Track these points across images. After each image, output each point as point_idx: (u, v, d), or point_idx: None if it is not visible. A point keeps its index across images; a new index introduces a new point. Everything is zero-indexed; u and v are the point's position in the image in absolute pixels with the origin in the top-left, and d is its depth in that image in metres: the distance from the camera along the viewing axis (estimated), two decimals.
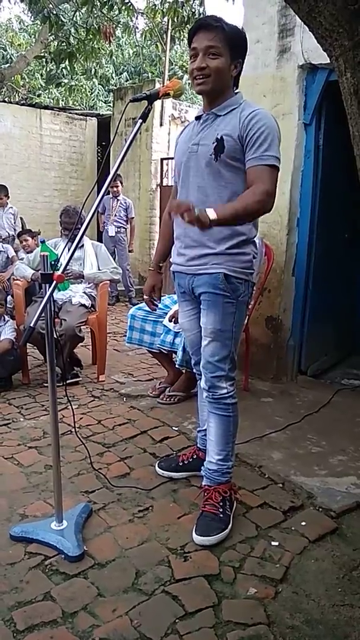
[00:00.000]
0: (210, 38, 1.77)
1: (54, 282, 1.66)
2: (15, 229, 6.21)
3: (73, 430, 2.57)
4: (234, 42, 1.81)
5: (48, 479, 2.26)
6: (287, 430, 2.79)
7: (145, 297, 2.35)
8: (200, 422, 2.29)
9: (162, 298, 2.36)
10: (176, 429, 2.80)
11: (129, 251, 6.48)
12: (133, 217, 6.60)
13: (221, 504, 1.98)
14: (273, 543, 1.90)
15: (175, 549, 1.86)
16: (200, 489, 2.11)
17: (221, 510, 1.96)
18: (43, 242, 3.23)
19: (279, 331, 3.49)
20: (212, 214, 1.59)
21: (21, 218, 6.36)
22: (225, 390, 1.97)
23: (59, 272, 1.66)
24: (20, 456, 2.50)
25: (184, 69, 12.50)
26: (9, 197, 6.31)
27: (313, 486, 2.22)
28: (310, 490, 2.19)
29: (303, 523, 2.00)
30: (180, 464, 2.34)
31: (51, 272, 1.71)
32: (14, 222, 6.27)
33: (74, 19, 8.65)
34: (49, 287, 1.69)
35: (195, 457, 2.32)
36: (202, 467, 2.09)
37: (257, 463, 2.43)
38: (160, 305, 2.72)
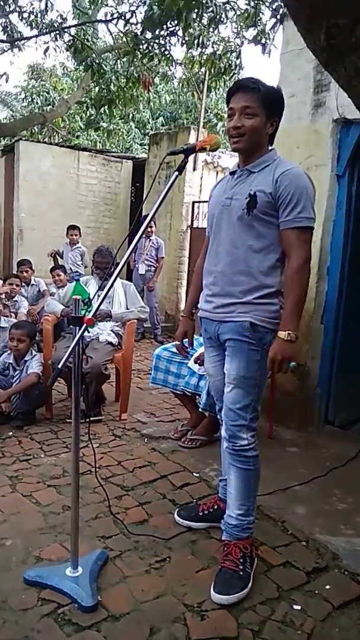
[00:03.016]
0: (247, 99, 1.84)
1: (84, 325, 1.69)
2: (79, 267, 6.69)
3: (93, 470, 2.54)
4: (270, 102, 1.87)
5: (65, 521, 2.22)
6: (312, 483, 2.70)
7: (177, 343, 2.36)
8: (223, 471, 2.23)
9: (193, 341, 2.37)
10: (197, 475, 2.74)
11: (150, 289, 6.58)
12: (163, 257, 6.70)
13: (241, 560, 1.91)
14: (295, 607, 1.81)
15: (192, 605, 1.79)
16: (220, 542, 2.04)
17: (241, 567, 1.89)
18: (77, 280, 3.29)
19: (306, 379, 3.43)
20: (287, 336, 1.83)
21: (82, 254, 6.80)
22: (246, 442, 1.93)
23: (89, 316, 1.69)
24: (38, 494, 2.48)
25: (219, 116, 12.88)
26: (80, 236, 6.89)
27: (339, 546, 2.13)
28: (336, 551, 2.10)
29: (327, 587, 1.91)
30: (200, 513, 2.28)
31: (82, 315, 1.73)
32: (80, 260, 6.73)
33: (115, 67, 9.09)
34: (79, 329, 1.71)
35: (216, 507, 2.26)
36: (222, 521, 2.03)
37: (281, 517, 2.35)
38: (191, 350, 2.72)
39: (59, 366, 1.69)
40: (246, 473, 1.95)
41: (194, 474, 2.75)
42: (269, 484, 2.54)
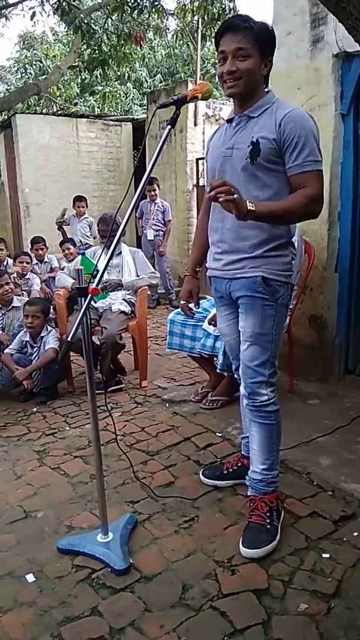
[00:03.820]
0: (239, 40, 1.72)
1: (89, 295, 1.66)
2: (88, 238, 6.60)
3: (118, 438, 2.57)
4: (262, 41, 1.75)
5: (94, 489, 2.25)
6: (336, 433, 2.69)
7: (181, 302, 2.32)
8: (244, 429, 2.23)
9: (200, 302, 2.33)
10: (220, 435, 2.75)
11: (160, 254, 6.50)
12: (170, 220, 6.59)
13: (268, 514, 1.92)
14: (324, 555, 1.83)
15: (222, 561, 1.82)
16: (246, 498, 2.06)
17: (268, 521, 1.91)
18: (83, 253, 3.26)
19: (323, 330, 3.37)
20: (251, 205, 1.60)
21: (90, 225, 6.70)
22: (266, 397, 1.91)
23: (93, 285, 1.66)
24: (66, 466, 2.53)
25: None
26: (87, 207, 6.80)
27: None
28: None
29: (355, 533, 1.91)
30: (225, 472, 2.29)
31: (86, 285, 1.71)
32: (89, 231, 6.64)
33: (105, 25, 8.74)
34: (84, 300, 1.69)
35: (240, 464, 2.27)
36: (247, 477, 2.04)
37: (305, 470, 2.35)
38: (199, 309, 2.69)
39: (68, 339, 1.68)
40: (268, 428, 1.95)
41: (217, 434, 2.77)
42: (292, 437, 2.54)
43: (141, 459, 2.55)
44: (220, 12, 8.02)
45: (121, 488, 2.30)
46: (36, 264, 5.70)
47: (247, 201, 1.61)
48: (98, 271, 1.94)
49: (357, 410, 2.94)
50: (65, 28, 11.32)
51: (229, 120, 1.91)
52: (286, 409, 2.01)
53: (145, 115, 9.57)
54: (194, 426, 2.88)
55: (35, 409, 3.32)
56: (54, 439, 2.87)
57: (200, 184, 7.24)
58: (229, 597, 1.66)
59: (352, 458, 2.45)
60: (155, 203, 6.48)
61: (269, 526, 1.90)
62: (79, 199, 6.73)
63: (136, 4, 7.78)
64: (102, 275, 1.78)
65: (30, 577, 1.77)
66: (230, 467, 2.30)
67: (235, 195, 1.56)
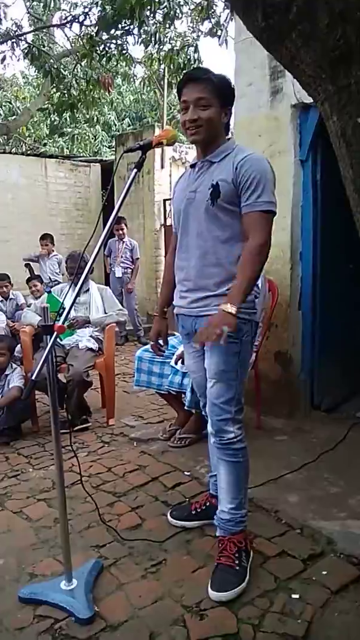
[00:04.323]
0: (200, 90, 1.82)
1: (55, 333, 1.65)
2: (57, 275, 6.55)
3: (83, 480, 2.51)
4: (222, 91, 1.85)
5: (57, 534, 2.17)
6: (303, 470, 2.70)
7: (151, 343, 2.34)
8: (212, 467, 2.22)
9: (168, 339, 2.35)
10: (188, 474, 2.72)
11: (129, 291, 6.54)
12: (138, 258, 6.67)
13: (237, 555, 1.89)
14: (293, 596, 1.80)
15: (191, 606, 1.77)
16: (215, 538, 2.02)
17: (237, 562, 1.87)
18: (49, 292, 3.25)
19: (289, 366, 3.43)
20: (230, 308, 1.69)
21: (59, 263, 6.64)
22: (232, 435, 1.91)
23: (59, 323, 1.66)
24: (29, 510, 2.44)
25: None
26: (53, 245, 6.73)
27: (333, 530, 2.13)
28: (330, 535, 2.09)
29: (324, 572, 1.90)
30: (193, 512, 2.26)
31: (52, 323, 1.70)
32: (58, 269, 6.59)
33: (75, 71, 9.00)
34: (50, 338, 1.68)
35: (208, 504, 2.24)
36: (215, 516, 2.02)
37: (273, 508, 2.34)
38: (168, 347, 2.70)
39: (32, 377, 1.66)
40: (236, 465, 1.94)
41: (185, 473, 2.73)
42: (260, 474, 2.53)
43: (107, 500, 2.48)
44: (186, 62, 8.41)
45: (86, 532, 2.23)
46: (1, 301, 5.62)
47: (222, 310, 1.70)
48: (64, 308, 1.95)
49: (323, 446, 2.97)
50: (35, 71, 11.64)
51: (192, 166, 2.00)
52: (254, 445, 2.02)
53: (113, 157, 9.78)
54: (162, 465, 2.84)
55: None
56: (16, 481, 2.77)
57: (168, 223, 7.40)
58: None
59: (320, 494, 2.45)
60: (124, 241, 6.56)
61: (237, 567, 1.87)
62: (43, 237, 6.67)
63: (104, 52, 8.08)
64: (69, 312, 1.79)
65: None
66: (198, 507, 2.26)
67: (223, 328, 1.64)
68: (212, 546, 2.05)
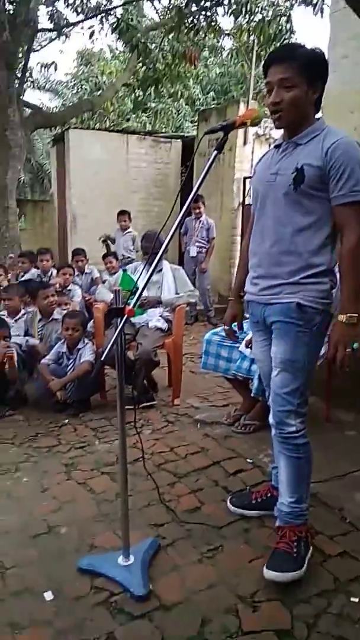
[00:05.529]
0: (283, 70, 1.72)
1: (125, 316, 1.66)
2: (131, 252, 6.66)
3: (145, 457, 2.55)
4: (310, 68, 1.73)
5: (118, 509, 2.23)
6: None
7: (225, 327, 2.30)
8: (275, 458, 2.17)
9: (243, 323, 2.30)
10: (250, 461, 2.69)
11: (202, 271, 6.49)
12: (214, 237, 6.59)
13: (296, 543, 1.85)
14: (352, 599, 1.74)
15: (245, 596, 1.75)
16: (274, 529, 1.98)
17: (295, 550, 1.84)
18: (125, 270, 3.28)
19: None
20: (347, 319, 1.74)
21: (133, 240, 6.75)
22: (294, 428, 1.85)
23: (130, 307, 1.66)
24: (93, 482, 2.52)
25: None
26: (130, 221, 6.87)
27: None
28: None
29: None
30: (254, 501, 2.23)
31: (122, 306, 1.71)
32: (132, 246, 6.71)
33: (161, 45, 8.92)
34: (120, 321, 1.69)
35: (269, 495, 2.20)
36: (275, 507, 1.98)
37: (338, 505, 2.25)
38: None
39: (102, 358, 1.69)
40: (295, 461, 1.88)
41: (248, 460, 2.70)
42: (326, 469, 2.44)
43: (168, 480, 2.51)
44: (277, 32, 8.07)
45: (146, 509, 2.27)
46: (77, 275, 5.80)
47: (343, 323, 1.75)
48: (138, 289, 1.95)
49: None
50: (122, 45, 11.68)
51: (277, 146, 1.90)
52: (321, 439, 1.94)
53: (195, 133, 9.66)
54: (224, 450, 2.82)
55: (66, 421, 3.35)
56: (83, 452, 2.87)
57: (247, 202, 7.22)
58: (250, 634, 1.60)
59: None
60: (200, 220, 6.49)
61: (295, 555, 1.83)
62: (121, 213, 6.85)
63: (193, 24, 7.92)
64: (141, 294, 1.79)
65: (48, 595, 1.75)
66: (259, 497, 2.23)
67: (355, 344, 1.76)
68: (270, 537, 2.01)
